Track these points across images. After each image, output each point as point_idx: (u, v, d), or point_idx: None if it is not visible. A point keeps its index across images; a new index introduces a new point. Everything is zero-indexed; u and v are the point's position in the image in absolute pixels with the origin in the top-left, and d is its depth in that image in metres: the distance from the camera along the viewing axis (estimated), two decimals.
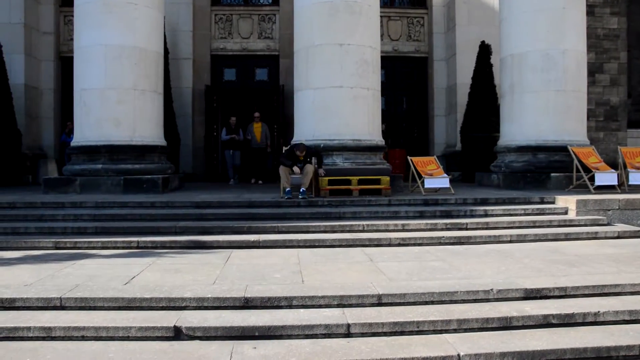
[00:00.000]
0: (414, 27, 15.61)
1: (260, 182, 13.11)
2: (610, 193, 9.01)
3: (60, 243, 6.55)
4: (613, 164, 10.43)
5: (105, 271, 5.30)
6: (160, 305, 4.28)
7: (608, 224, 7.85)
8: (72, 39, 11.11)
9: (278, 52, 14.96)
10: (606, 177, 9.48)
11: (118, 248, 6.51)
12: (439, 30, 15.39)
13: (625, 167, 9.94)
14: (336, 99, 9.59)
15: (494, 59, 12.91)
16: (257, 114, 13.29)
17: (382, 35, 12.53)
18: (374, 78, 9.95)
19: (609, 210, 8.12)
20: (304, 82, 9.93)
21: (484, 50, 13.35)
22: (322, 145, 9.50)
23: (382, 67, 10.76)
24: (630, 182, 9.70)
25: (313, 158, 8.96)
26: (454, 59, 14.73)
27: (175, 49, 14.20)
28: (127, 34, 9.76)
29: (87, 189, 9.57)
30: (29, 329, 3.89)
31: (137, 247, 6.53)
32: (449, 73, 15.12)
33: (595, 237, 7.27)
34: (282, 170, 8.82)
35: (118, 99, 9.79)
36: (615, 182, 9.49)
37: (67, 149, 10.84)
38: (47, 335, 3.88)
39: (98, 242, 6.59)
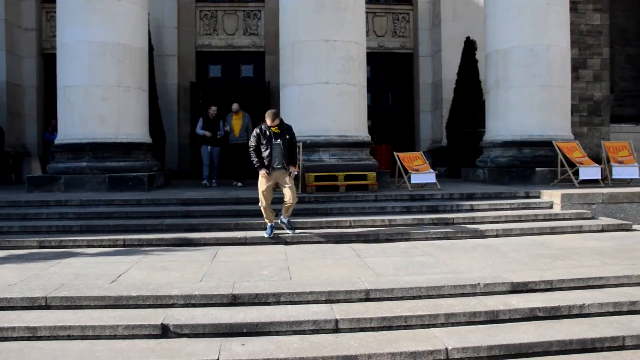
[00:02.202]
0: (400, 23, 15.63)
1: (239, 184, 11.00)
2: (594, 187, 9.12)
3: (45, 242, 6.49)
4: (597, 159, 10.54)
5: (91, 270, 5.25)
6: (147, 303, 4.26)
7: (592, 218, 7.94)
8: (54, 36, 10.97)
9: (263, 49, 14.89)
10: (590, 171, 9.59)
11: (104, 246, 6.46)
12: (424, 27, 15.42)
13: (608, 161, 10.06)
14: (322, 95, 9.58)
15: (479, 55, 12.96)
16: (235, 106, 11.34)
17: (367, 32, 12.51)
18: (360, 74, 9.95)
19: (593, 204, 8.21)
20: (289, 79, 9.90)
21: (469, 46, 13.40)
22: (308, 141, 9.48)
23: (368, 63, 10.75)
24: (613, 176, 9.82)
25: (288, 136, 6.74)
26: (439, 55, 14.78)
27: (160, 45, 14.08)
28: (111, 30, 9.65)
29: (71, 187, 9.47)
30: (13, 329, 3.85)
31: (124, 245, 6.49)
32: (435, 69, 15.16)
33: (579, 230, 7.35)
34: (262, 182, 6.68)
35: (102, 96, 9.68)
36: (599, 177, 9.61)
37: (51, 146, 10.71)
38: (33, 335, 3.84)
39: (83, 240, 6.53)
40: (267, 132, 6.62)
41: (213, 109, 11.29)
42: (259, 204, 6.76)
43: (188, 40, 14.80)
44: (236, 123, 11.24)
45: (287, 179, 6.71)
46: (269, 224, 6.77)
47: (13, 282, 4.72)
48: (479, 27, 12.48)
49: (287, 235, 6.79)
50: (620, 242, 6.68)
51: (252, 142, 6.66)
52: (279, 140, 6.63)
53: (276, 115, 6.57)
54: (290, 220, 6.93)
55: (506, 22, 10.68)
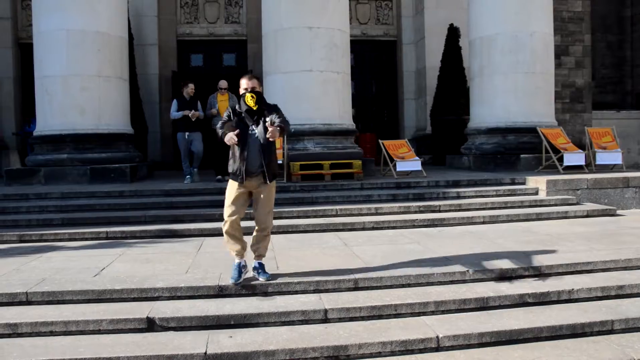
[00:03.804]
0: (383, 10, 15.53)
1: (226, 178, 9.13)
2: (578, 173, 9.17)
3: (25, 236, 6.33)
4: (580, 145, 10.60)
5: (73, 263, 5.13)
6: (132, 296, 4.17)
7: (577, 204, 7.99)
8: (30, 25, 10.68)
9: (246, 37, 14.70)
10: (574, 157, 9.63)
11: (86, 239, 6.33)
12: (408, 14, 15.34)
13: (592, 147, 10.12)
14: (306, 83, 9.47)
15: (462, 42, 12.93)
16: (223, 84, 9.84)
17: (350, 19, 12.37)
18: (343, 62, 9.86)
19: (578, 189, 8.25)
20: (273, 67, 9.78)
21: (453, 33, 13.36)
22: (293, 130, 9.34)
23: (351, 51, 10.66)
24: (597, 162, 9.90)
25: (274, 116, 4.36)
26: (422, 42, 14.72)
27: (140, 34, 13.82)
28: (90, 18, 9.42)
29: (52, 180, 9.27)
30: None
31: (106, 238, 6.36)
32: (418, 56, 15.10)
33: (565, 216, 7.38)
34: (230, 189, 4.49)
35: (82, 86, 9.47)
36: (583, 162, 9.66)
37: (30, 138, 10.48)
38: (13, 332, 3.73)
39: (65, 233, 6.39)
40: (239, 114, 4.37)
41: (190, 87, 9.58)
42: (222, 225, 4.46)
43: (169, 28, 14.55)
44: (222, 105, 9.49)
45: (264, 192, 4.43)
46: (236, 260, 4.40)
47: None
48: (462, 14, 12.43)
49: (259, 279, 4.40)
50: (605, 227, 6.72)
51: (219, 126, 4.44)
52: (256, 129, 4.34)
53: (254, 79, 4.38)
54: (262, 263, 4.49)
55: (490, 9, 10.65)
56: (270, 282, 4.32)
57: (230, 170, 4.43)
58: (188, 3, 14.71)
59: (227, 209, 4.42)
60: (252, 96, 4.27)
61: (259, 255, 4.52)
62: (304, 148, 9.46)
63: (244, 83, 4.35)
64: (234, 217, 4.38)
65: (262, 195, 4.44)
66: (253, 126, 4.35)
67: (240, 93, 4.36)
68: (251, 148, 4.33)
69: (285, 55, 9.54)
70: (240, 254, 4.44)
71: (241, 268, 4.38)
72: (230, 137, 4.23)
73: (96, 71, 9.56)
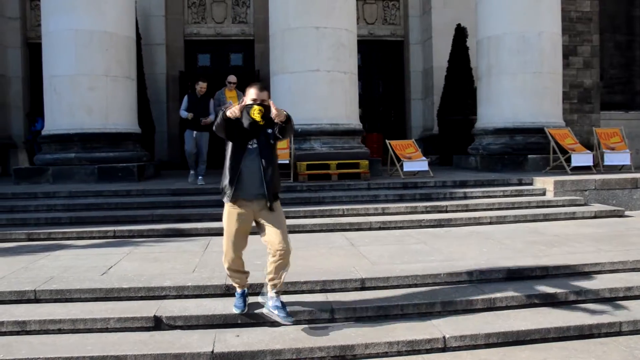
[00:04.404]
0: (390, 10, 15.50)
1: None
2: (586, 174, 9.12)
3: (33, 234, 6.37)
4: (588, 145, 10.54)
5: (81, 262, 5.16)
6: (139, 295, 4.18)
7: (585, 204, 7.95)
8: (39, 25, 10.73)
9: (253, 37, 14.72)
10: (582, 158, 9.58)
11: (94, 238, 6.36)
12: (415, 14, 15.30)
13: (600, 147, 10.07)
14: (313, 82, 9.47)
15: (470, 42, 12.89)
16: (233, 78, 9.78)
17: (357, 19, 12.35)
18: (350, 61, 9.85)
19: (586, 190, 8.21)
20: (279, 66, 9.78)
21: (460, 33, 13.32)
22: (299, 129, 9.38)
23: (358, 51, 10.65)
24: (605, 163, 9.84)
25: (279, 127, 3.75)
26: (430, 42, 14.68)
27: (147, 34, 13.86)
28: (98, 18, 9.46)
29: (60, 179, 9.32)
30: (2, 323, 3.76)
31: (114, 237, 6.39)
32: (425, 56, 15.06)
33: (573, 217, 7.34)
34: (228, 218, 3.84)
35: (90, 86, 9.51)
36: (591, 163, 9.61)
37: (38, 137, 10.54)
38: (22, 329, 3.75)
39: (73, 232, 6.42)
40: (241, 123, 3.70)
41: (201, 85, 9.22)
42: (223, 259, 3.90)
43: (176, 28, 14.59)
44: (231, 101, 8.89)
45: (270, 214, 3.77)
46: (238, 289, 3.96)
47: (1, 276, 4.61)
48: (469, 14, 12.38)
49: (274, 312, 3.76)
50: (613, 228, 6.68)
51: (218, 119, 3.71)
52: (256, 142, 3.75)
53: (265, 91, 3.77)
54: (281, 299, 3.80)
55: (497, 9, 10.60)
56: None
57: (220, 186, 3.79)
58: (195, 3, 14.74)
59: (227, 243, 3.80)
60: (260, 109, 3.65)
61: (278, 292, 3.74)
62: (311, 148, 9.47)
63: (253, 93, 3.72)
64: (235, 254, 3.80)
65: (269, 218, 3.76)
66: (254, 140, 3.75)
67: (246, 102, 3.71)
68: (249, 166, 3.71)
69: (292, 55, 9.55)
70: (244, 284, 3.97)
71: (245, 296, 3.94)
72: (233, 110, 3.62)
73: (104, 71, 9.60)
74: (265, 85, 3.81)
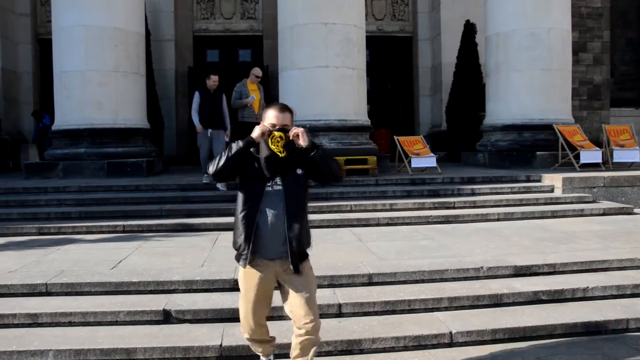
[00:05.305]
0: (399, 6, 15.47)
1: None
2: (595, 171, 9.07)
3: (44, 229, 6.43)
4: (597, 142, 10.50)
5: (91, 256, 5.22)
6: (149, 289, 4.23)
7: (593, 201, 7.91)
8: (49, 21, 10.83)
9: (261, 33, 14.75)
10: (591, 155, 9.54)
11: (103, 232, 6.41)
12: (424, 10, 15.28)
13: (609, 145, 10.02)
14: (321, 79, 9.47)
15: (479, 38, 12.85)
16: (258, 72, 9.34)
17: (366, 15, 12.34)
18: (359, 58, 9.85)
19: (594, 187, 8.18)
20: (288, 62, 9.80)
21: (469, 29, 13.28)
22: (307, 125, 9.39)
23: (367, 47, 10.62)
24: (614, 160, 9.78)
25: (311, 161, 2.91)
26: (438, 39, 14.65)
27: (156, 30, 13.91)
28: (107, 14, 9.52)
29: (69, 174, 9.40)
30: (14, 315, 3.82)
31: (123, 231, 6.44)
32: (434, 53, 15.04)
33: (581, 214, 7.31)
34: (245, 283, 3.02)
35: (99, 82, 9.58)
36: (599, 160, 9.57)
37: (48, 133, 10.63)
38: (34, 321, 3.81)
39: (83, 226, 6.48)
40: (260, 156, 2.89)
41: (214, 79, 8.57)
42: (240, 328, 3.18)
43: (185, 24, 14.65)
44: (254, 95, 9.09)
45: (297, 276, 2.93)
46: (263, 358, 3.22)
47: (13, 269, 4.68)
48: (478, 10, 12.35)
49: None
50: (622, 225, 6.65)
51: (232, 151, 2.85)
52: (280, 184, 2.89)
53: (287, 113, 2.92)
54: None
55: (507, 5, 10.56)
56: None
57: (233, 244, 2.98)
58: None
59: (244, 309, 3.03)
60: (281, 137, 2.82)
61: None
62: (319, 144, 9.46)
63: (272, 116, 2.87)
64: (255, 322, 3.03)
65: (294, 282, 2.93)
66: (277, 180, 2.88)
67: (264, 128, 2.84)
68: (268, 215, 2.86)
69: (300, 51, 9.56)
70: (269, 352, 3.21)
71: None
72: (262, 128, 2.83)
73: (113, 66, 9.66)
74: (287, 106, 2.97)
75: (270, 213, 2.86)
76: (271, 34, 13.11)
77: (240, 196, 2.92)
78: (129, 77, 9.91)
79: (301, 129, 2.83)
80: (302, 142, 2.81)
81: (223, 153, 2.84)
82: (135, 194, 7.88)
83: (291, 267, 2.88)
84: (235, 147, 2.82)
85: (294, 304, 2.90)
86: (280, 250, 2.88)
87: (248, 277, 2.97)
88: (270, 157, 2.85)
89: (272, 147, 2.84)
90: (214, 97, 8.61)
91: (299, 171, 2.91)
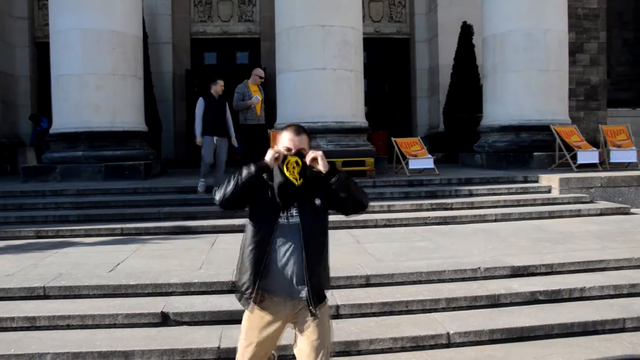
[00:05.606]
0: (396, 8, 15.50)
1: None
2: (592, 171, 9.09)
3: (42, 232, 6.43)
4: (594, 143, 10.52)
5: (89, 259, 5.22)
6: (147, 291, 4.23)
7: (591, 202, 7.93)
8: (47, 24, 10.83)
9: (259, 35, 14.76)
10: (588, 155, 9.56)
11: (102, 235, 6.41)
12: (421, 11, 15.30)
13: (606, 145, 10.03)
14: (319, 81, 9.49)
15: (476, 40, 12.88)
16: (261, 73, 9.20)
17: (363, 17, 12.34)
18: (356, 60, 9.86)
19: (592, 188, 8.19)
20: (285, 65, 9.82)
21: (466, 31, 13.30)
22: (305, 128, 9.40)
23: (364, 49, 10.66)
24: (611, 160, 9.79)
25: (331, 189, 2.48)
26: (435, 40, 14.67)
27: (154, 33, 13.92)
28: (105, 17, 9.52)
29: (67, 177, 9.39)
30: (12, 319, 3.82)
31: (121, 234, 6.44)
32: (431, 54, 15.06)
33: (578, 214, 7.33)
34: (248, 323, 2.56)
35: (97, 85, 9.58)
36: (597, 160, 9.58)
37: (46, 136, 10.63)
38: (32, 325, 3.81)
39: (81, 230, 6.48)
40: (273, 183, 2.51)
41: (221, 83, 8.20)
42: None
43: (182, 27, 14.66)
44: (257, 96, 9.00)
45: (312, 322, 2.50)
46: None
47: (11, 272, 4.68)
48: (475, 11, 12.38)
49: None
50: (619, 225, 6.67)
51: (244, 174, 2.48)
52: (298, 215, 2.50)
53: (304, 135, 2.57)
54: None
55: (503, 6, 10.59)
56: None
57: (234, 279, 2.71)
58: (202, 1, 14.80)
59: (243, 351, 2.56)
60: (297, 162, 2.46)
61: None
62: (317, 146, 9.47)
63: (287, 139, 2.53)
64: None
65: (307, 328, 2.52)
66: (293, 211, 2.50)
67: (277, 153, 2.47)
68: (282, 250, 2.49)
69: (298, 53, 9.57)
70: None
71: None
72: (276, 152, 2.48)
73: (111, 69, 9.67)
74: (303, 128, 2.62)
75: (283, 249, 2.48)
76: (268, 36, 13.13)
77: (249, 228, 2.54)
78: (127, 80, 9.91)
79: (320, 152, 2.45)
80: (322, 167, 2.43)
81: (232, 177, 2.47)
82: (133, 197, 7.88)
83: (309, 309, 2.47)
84: (245, 172, 2.45)
85: (304, 351, 2.50)
86: (293, 290, 2.47)
87: (254, 320, 2.54)
88: (284, 185, 2.47)
89: (287, 174, 2.47)
90: (219, 104, 8.21)
91: (318, 202, 2.52)
